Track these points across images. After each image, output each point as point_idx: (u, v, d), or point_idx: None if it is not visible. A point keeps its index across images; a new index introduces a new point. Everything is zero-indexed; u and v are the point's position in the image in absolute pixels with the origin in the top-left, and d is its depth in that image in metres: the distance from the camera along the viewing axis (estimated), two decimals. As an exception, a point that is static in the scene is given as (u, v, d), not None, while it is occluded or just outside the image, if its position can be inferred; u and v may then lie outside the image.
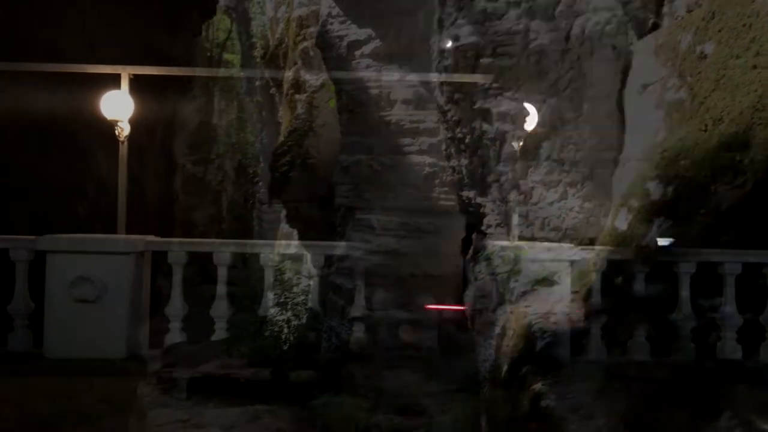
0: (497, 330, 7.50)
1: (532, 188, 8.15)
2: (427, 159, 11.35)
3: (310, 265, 15.80)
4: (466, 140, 8.51)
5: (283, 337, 15.30)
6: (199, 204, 25.75)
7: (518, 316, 6.84)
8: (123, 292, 5.98)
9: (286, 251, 16.60)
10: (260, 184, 23.09)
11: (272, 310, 15.01)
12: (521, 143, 8.32)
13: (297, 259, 16.67)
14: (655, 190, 6.51)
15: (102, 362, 5.86)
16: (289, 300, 15.41)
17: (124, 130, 7.14)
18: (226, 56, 26.37)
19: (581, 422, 4.97)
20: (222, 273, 7.16)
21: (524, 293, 7.34)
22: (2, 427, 5.43)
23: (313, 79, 13.41)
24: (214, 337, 8.89)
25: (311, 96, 13.31)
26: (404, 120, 11.48)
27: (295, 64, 13.93)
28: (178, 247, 6.89)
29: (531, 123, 8.23)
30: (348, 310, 11.16)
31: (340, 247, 10.45)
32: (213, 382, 12.81)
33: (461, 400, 8.83)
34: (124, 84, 7.21)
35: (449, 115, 8.72)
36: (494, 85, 8.21)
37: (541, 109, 8.13)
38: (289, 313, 15.54)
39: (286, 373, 11.29)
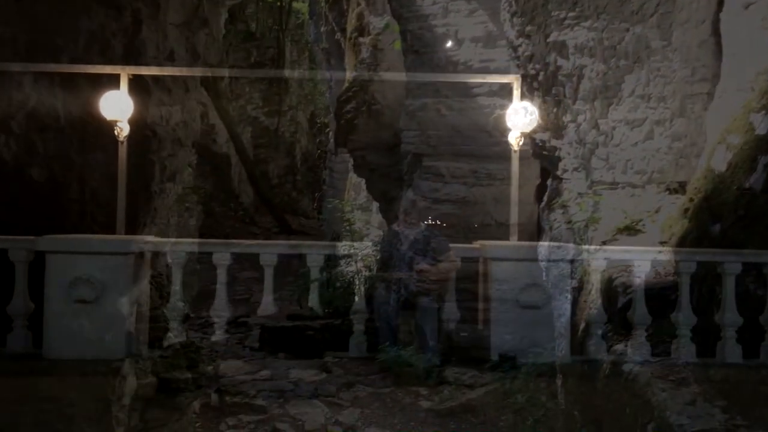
0: (574, 284, 6.91)
1: (614, 128, 7.43)
2: (498, 101, 10.65)
3: (379, 214, 15.49)
4: (540, 77, 7.83)
5: (354, 289, 15.13)
6: (274, 156, 25.85)
7: (597, 268, 6.21)
8: (122, 293, 5.84)
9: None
10: (330, 133, 22.87)
11: (342, 262, 14.82)
12: (521, 142, 7.77)
13: (365, 208, 16.43)
14: (761, 123, 5.66)
15: (101, 362, 5.72)
16: (358, 251, 15.22)
17: (123, 130, 7.02)
18: (296, 5, 25.97)
19: (671, 390, 4.34)
20: (221, 274, 6.84)
21: (604, 243, 6.72)
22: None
23: (377, 20, 12.78)
24: (214, 338, 8.73)
25: (375, 38, 12.71)
26: (473, 59, 10.78)
27: (358, 5, 13.30)
28: (176, 247, 6.66)
29: (531, 123, 7.68)
30: (416, 262, 10.67)
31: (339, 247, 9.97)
32: (284, 333, 12.80)
33: (534, 357, 8.33)
34: (123, 84, 7.06)
35: (520, 50, 8.03)
36: (570, 14, 7.43)
37: (624, 38, 7.32)
38: (359, 264, 15.33)
39: (354, 325, 11.00)
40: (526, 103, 7.82)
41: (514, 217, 8.06)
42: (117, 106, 6.97)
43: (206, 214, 21.47)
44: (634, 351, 5.10)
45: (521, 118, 7.69)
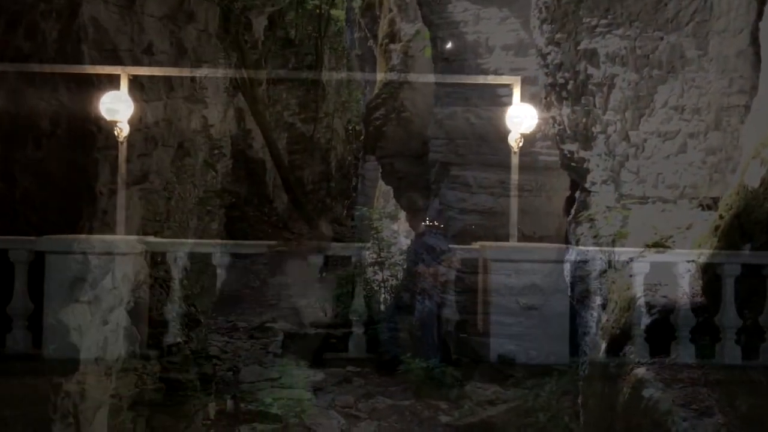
0: (598, 301, 6.64)
1: (645, 140, 7.15)
2: (529, 110, 10.38)
3: (406, 223, 15.32)
4: (569, 86, 7.58)
5: (381, 297, 14.97)
6: (309, 162, 25.93)
7: (622, 286, 5.94)
8: (123, 293, 5.77)
9: (384, 210, 16.19)
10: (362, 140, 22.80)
11: (369, 270, 14.69)
12: (520, 144, 7.78)
13: (393, 217, 16.27)
14: (798, 138, 5.35)
15: (100, 362, 5.63)
16: (386, 260, 15.09)
17: (123, 130, 7.00)
18: (334, 12, 26.03)
19: (693, 420, 4.06)
20: (220, 275, 6.73)
21: (631, 260, 6.43)
22: None
23: (408, 27, 12.65)
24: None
25: (406, 45, 12.59)
26: (503, 68, 10.55)
27: (390, 11, 13.19)
28: (175, 248, 6.57)
29: (530, 125, 7.69)
30: (440, 273, 10.50)
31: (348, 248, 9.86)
32: (307, 340, 12.70)
33: (558, 376, 8.09)
34: (124, 85, 7.03)
35: (549, 58, 7.78)
36: (602, 21, 7.18)
37: (658, 47, 7.04)
38: (387, 273, 15.16)
39: (379, 335, 10.89)
40: (526, 105, 7.75)
41: (513, 216, 8.11)
42: (117, 107, 6.92)
43: (240, 218, 21.53)
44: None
45: (520, 120, 7.73)
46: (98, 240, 6.02)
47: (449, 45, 10.83)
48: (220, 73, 16.26)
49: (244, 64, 20.20)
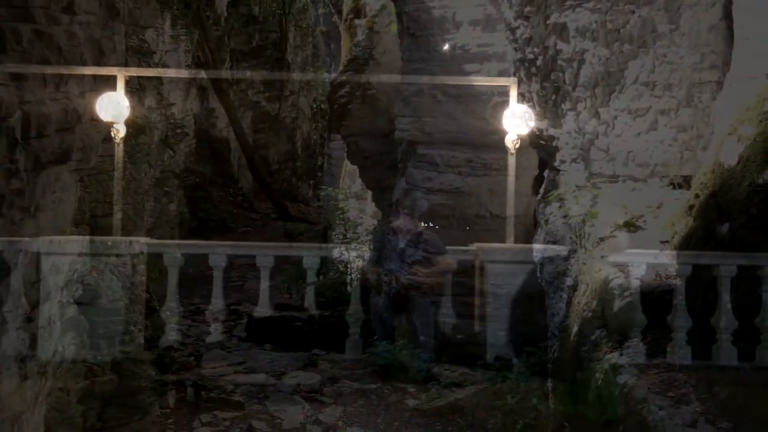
0: (568, 282, 6.50)
1: (615, 117, 7.00)
2: (496, 87, 10.19)
3: (373, 203, 15.09)
4: (538, 62, 7.39)
5: (347, 279, 14.74)
6: (275, 141, 25.62)
7: (593, 267, 5.79)
8: (118, 294, 5.50)
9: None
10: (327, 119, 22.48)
11: (336, 250, 14.44)
12: (517, 145, 7.64)
13: (360, 197, 16.03)
14: (778, 113, 5.20)
15: (97, 364, 5.36)
16: (352, 240, 14.85)
17: (120, 132, 6.79)
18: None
19: (671, 408, 3.91)
20: (217, 276, 6.50)
21: (602, 240, 6.30)
22: None
23: (373, 1, 12.33)
24: (209, 339, 8.40)
25: (371, 20, 12.28)
26: (470, 44, 10.34)
27: (355, -15, 12.86)
28: (173, 249, 6.33)
29: (528, 125, 7.53)
30: (407, 253, 10.25)
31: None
32: (271, 323, 12.40)
33: (527, 357, 7.96)
34: (120, 85, 6.78)
35: (518, 32, 7.58)
36: (572, -6, 6.97)
37: (629, 21, 6.86)
38: (353, 254, 14.95)
39: (343, 317, 10.67)
40: (524, 107, 7.66)
41: (510, 216, 7.90)
42: (113, 108, 6.63)
43: (204, 198, 21.12)
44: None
45: (518, 121, 7.63)
46: (94, 241, 5.68)
47: (446, 47, 10.60)
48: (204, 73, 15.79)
49: (206, 40, 19.68)
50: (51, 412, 5.09)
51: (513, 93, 7.76)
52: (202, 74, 18.53)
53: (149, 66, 9.66)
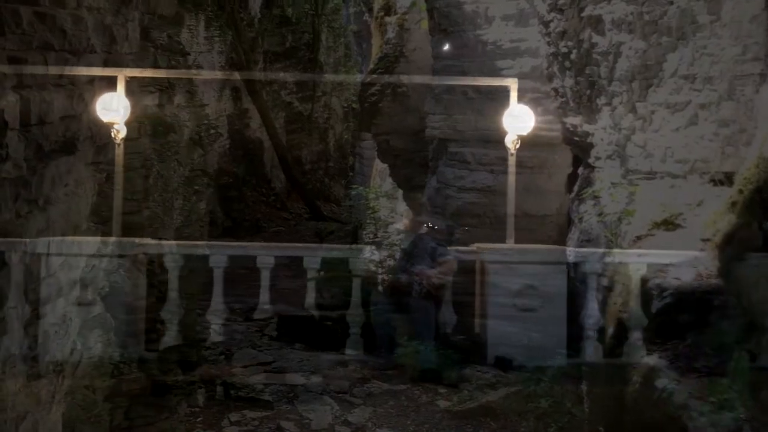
0: (604, 282, 6.30)
1: (653, 111, 6.76)
2: (529, 83, 10.00)
3: (404, 202, 14.98)
4: (572, 56, 7.21)
5: (378, 278, 14.65)
6: (307, 142, 25.71)
7: (630, 267, 5.59)
8: (119, 295, 5.46)
9: (379, 191, 15.83)
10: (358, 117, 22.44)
11: (366, 250, 14.34)
12: (517, 145, 7.67)
13: (391, 196, 15.92)
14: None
15: (99, 365, 5.32)
16: (383, 240, 14.73)
17: (120, 132, 6.81)
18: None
19: (711, 415, 3.71)
20: (218, 275, 6.45)
21: (639, 238, 6.09)
22: None
23: (403, -3, 12.24)
24: (210, 340, 8.35)
25: (402, 17, 12.16)
26: (503, 39, 10.16)
27: (386, -18, 12.77)
28: (172, 250, 6.29)
29: (528, 127, 7.60)
30: (438, 252, 10.11)
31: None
32: (301, 322, 12.36)
33: (559, 361, 7.76)
34: (120, 86, 6.79)
35: (552, 26, 7.40)
36: (608, -15, 6.78)
37: (667, 12, 6.63)
38: (384, 253, 14.84)
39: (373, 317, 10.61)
40: (523, 107, 7.71)
41: (510, 217, 7.95)
42: (113, 109, 6.62)
43: (237, 199, 21.24)
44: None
45: (518, 121, 7.68)
46: (93, 242, 5.58)
47: (446, 47, 10.56)
48: (218, 75, 15.90)
49: (239, 42, 19.78)
50: (76, 411, 5.06)
51: (513, 93, 7.82)
52: (223, 75, 18.55)
53: (182, 67, 9.65)
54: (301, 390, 8.85)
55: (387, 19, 12.60)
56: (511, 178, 7.94)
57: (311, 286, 7.95)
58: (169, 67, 7.77)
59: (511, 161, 7.89)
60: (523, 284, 6.88)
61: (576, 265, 7.30)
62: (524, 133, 7.64)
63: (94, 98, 5.88)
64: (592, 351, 6.13)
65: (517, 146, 7.68)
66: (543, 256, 7.54)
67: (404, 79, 10.88)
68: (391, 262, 14.84)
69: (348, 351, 7.66)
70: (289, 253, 7.90)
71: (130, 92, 6.69)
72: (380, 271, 14.42)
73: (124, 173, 6.65)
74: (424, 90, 11.56)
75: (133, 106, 6.72)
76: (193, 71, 8.72)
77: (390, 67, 12.16)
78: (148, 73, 7.10)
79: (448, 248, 8.89)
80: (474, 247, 7.91)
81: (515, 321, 7.66)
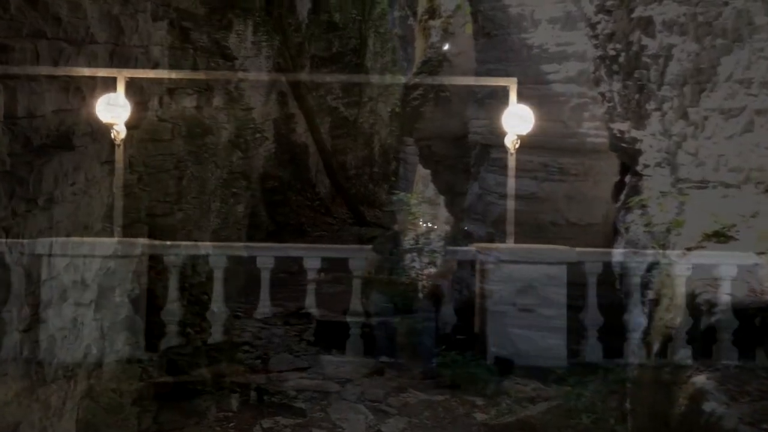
0: (650, 295, 6.02)
1: (706, 117, 6.47)
2: (575, 88, 9.77)
3: (445, 209, 14.81)
4: (620, 58, 6.96)
5: (419, 285, 14.51)
6: (352, 147, 25.84)
7: (678, 280, 5.31)
8: (120, 296, 5.40)
9: (421, 196, 15.72)
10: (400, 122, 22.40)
11: (407, 257, 14.22)
12: (516, 145, 7.68)
13: (433, 202, 15.78)
14: None
15: (101, 365, 5.26)
16: (424, 246, 14.59)
17: (120, 133, 6.85)
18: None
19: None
20: (218, 275, 6.36)
21: (688, 250, 5.80)
22: None
23: (448, 1, 12.07)
24: (210, 340, 8.28)
25: (446, 21, 12.01)
26: (549, 43, 9.91)
27: (430, -15, 12.64)
28: (173, 250, 6.23)
29: (528, 127, 7.62)
30: (479, 259, 9.90)
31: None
32: (339, 328, 12.28)
33: (603, 375, 7.48)
34: (120, 87, 6.80)
35: (600, 27, 7.16)
36: (659, -15, 6.50)
37: (722, 13, 6.32)
38: (425, 260, 14.66)
39: (412, 324, 10.54)
40: (523, 107, 7.73)
41: (510, 218, 7.93)
42: (113, 110, 6.63)
43: (282, 203, 21.39)
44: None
45: (517, 122, 7.70)
46: (94, 243, 5.53)
47: (446, 47, 10.47)
48: (252, 75, 15.93)
49: (287, 46, 19.93)
50: (101, 414, 5.01)
51: (513, 93, 7.83)
52: (237, 75, 18.44)
53: (222, 69, 9.63)
54: (335, 397, 8.75)
55: (431, 22, 12.47)
56: (511, 181, 7.96)
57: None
58: (208, 68, 7.76)
59: (511, 163, 7.85)
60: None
61: (621, 276, 7.03)
62: (524, 133, 7.63)
63: (94, 93, 5.72)
64: (636, 367, 5.86)
65: (517, 146, 7.65)
66: (548, 256, 7.38)
67: (439, 80, 10.81)
68: (432, 269, 14.71)
69: (347, 352, 7.65)
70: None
71: (169, 94, 6.69)
72: (422, 278, 14.31)
73: (156, 174, 6.65)
74: (466, 94, 11.37)
75: (169, 108, 6.73)
76: (219, 72, 8.70)
77: (433, 70, 12.02)
78: (149, 74, 7.04)
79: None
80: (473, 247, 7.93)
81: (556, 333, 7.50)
